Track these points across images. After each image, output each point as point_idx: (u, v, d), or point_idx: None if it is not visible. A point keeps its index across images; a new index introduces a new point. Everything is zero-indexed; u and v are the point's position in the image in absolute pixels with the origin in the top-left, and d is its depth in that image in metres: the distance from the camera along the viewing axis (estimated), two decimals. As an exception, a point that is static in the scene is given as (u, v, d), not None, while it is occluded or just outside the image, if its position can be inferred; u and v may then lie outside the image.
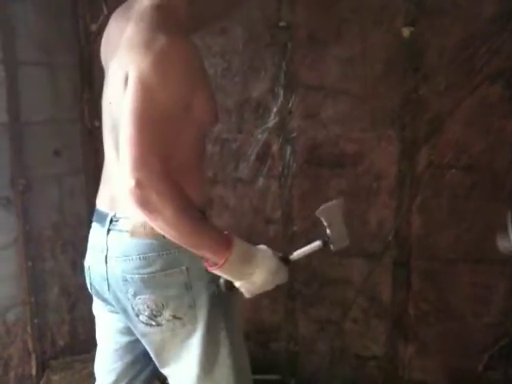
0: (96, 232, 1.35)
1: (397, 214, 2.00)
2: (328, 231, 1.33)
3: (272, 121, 2.07)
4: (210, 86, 1.32)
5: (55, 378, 2.11)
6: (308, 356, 2.19)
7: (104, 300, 1.37)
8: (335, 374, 2.17)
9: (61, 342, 2.21)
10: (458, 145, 1.91)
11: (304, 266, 2.10)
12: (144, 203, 1.11)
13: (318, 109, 2.02)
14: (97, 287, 1.36)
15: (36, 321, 2.10)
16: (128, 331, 1.37)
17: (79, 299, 2.24)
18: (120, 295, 1.30)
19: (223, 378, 1.31)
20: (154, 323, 1.28)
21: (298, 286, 2.14)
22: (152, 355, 1.33)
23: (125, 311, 1.31)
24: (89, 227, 2.16)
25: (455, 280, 2.00)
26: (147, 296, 1.27)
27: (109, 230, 1.29)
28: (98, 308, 1.45)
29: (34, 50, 2.05)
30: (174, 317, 1.28)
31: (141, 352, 1.39)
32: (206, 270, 1.23)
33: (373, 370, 2.14)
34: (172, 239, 1.16)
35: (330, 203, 1.35)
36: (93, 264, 1.35)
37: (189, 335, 1.29)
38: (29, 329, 2.09)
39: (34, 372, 2.13)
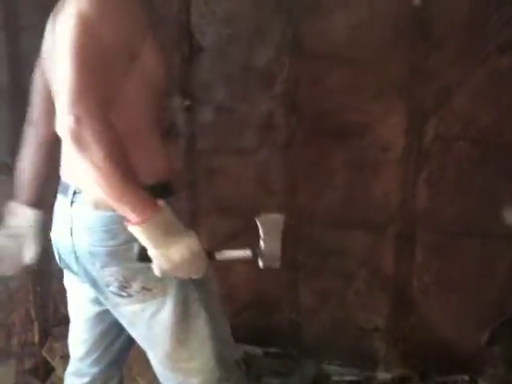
0: (60, 204, 1.33)
1: (403, 187, 1.98)
2: (261, 243, 1.21)
3: (277, 89, 2.02)
4: (155, 42, 1.26)
5: (57, 345, 2.12)
6: (310, 327, 2.19)
7: (73, 272, 1.35)
8: (337, 345, 2.18)
9: (63, 310, 2.21)
10: (466, 117, 1.87)
11: (307, 237, 2.09)
12: (77, 139, 1.06)
13: (325, 77, 1.97)
14: (65, 259, 1.34)
15: (38, 288, 2.11)
16: (98, 301, 1.36)
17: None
18: (88, 267, 1.28)
19: (201, 347, 1.30)
20: (124, 294, 1.27)
21: (301, 257, 2.13)
22: (126, 328, 1.33)
23: (94, 283, 1.30)
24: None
25: (460, 254, 1.98)
26: (114, 268, 1.25)
27: (72, 202, 1.27)
28: (68, 280, 1.45)
29: (35, 14, 2.00)
30: (144, 288, 1.27)
31: (112, 321, 1.38)
32: None
33: (375, 341, 2.14)
34: (96, 187, 1.11)
35: (272, 215, 1.24)
36: (59, 236, 1.33)
37: (160, 307, 1.28)
38: (31, 296, 2.10)
39: (36, 339, 2.14)
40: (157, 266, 1.16)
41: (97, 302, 1.38)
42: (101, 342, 1.44)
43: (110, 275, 1.26)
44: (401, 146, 1.95)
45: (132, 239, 1.17)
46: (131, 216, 1.12)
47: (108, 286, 1.27)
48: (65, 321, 2.19)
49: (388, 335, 2.13)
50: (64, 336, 2.13)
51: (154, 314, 1.28)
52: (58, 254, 1.37)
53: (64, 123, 1.07)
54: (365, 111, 1.96)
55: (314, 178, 2.05)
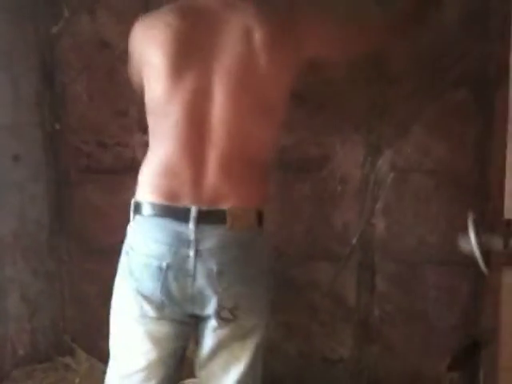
0: (172, 227, 1.33)
1: (361, 217, 2.02)
2: None
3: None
4: None
5: (15, 388, 2.06)
6: (276, 360, 2.18)
7: (173, 302, 1.36)
8: (303, 377, 2.17)
9: (21, 352, 2.16)
10: (421, 149, 1.93)
11: (270, 271, 2.09)
12: None
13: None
14: (172, 287, 1.34)
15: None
16: (176, 336, 1.41)
17: (39, 307, 2.19)
18: (206, 291, 1.32)
19: (258, 375, 1.45)
20: (231, 317, 1.34)
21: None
22: (207, 351, 1.41)
23: (203, 308, 1.35)
24: (50, 234, 2.13)
25: (419, 282, 2.02)
26: (238, 288, 1.33)
27: (197, 224, 1.30)
28: (148, 314, 1.40)
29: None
30: (251, 310, 1.36)
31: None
32: None
33: (340, 372, 2.14)
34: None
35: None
36: (173, 261, 1.33)
37: (253, 331, 1.40)
38: (-13, 339, 2.04)
39: (-7, 383, 2.08)
40: None
41: (175, 338, 1.42)
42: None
43: (230, 296, 1.33)
44: (358, 178, 1.99)
45: (260, 257, 1.39)
46: None
47: (220, 310, 1.34)
48: (22, 362, 2.14)
49: (353, 365, 2.13)
50: (22, 379, 2.09)
51: (244, 336, 1.39)
52: (162, 282, 1.35)
53: None
54: (323, 145, 2.00)
55: (276, 211, 2.06)
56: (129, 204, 2.09)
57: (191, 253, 1.32)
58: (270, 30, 1.35)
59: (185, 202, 1.34)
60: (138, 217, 1.41)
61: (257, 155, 1.39)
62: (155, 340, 1.40)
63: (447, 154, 1.92)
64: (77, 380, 2.14)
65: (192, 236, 1.31)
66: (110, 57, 2.07)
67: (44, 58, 2.19)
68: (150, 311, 1.39)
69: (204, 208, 1.32)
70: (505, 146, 1.41)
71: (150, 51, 1.40)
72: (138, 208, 1.41)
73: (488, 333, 1.78)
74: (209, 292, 1.33)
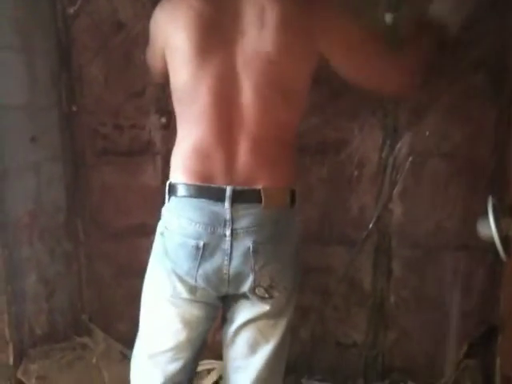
0: (208, 207, 1.35)
1: (378, 202, 2.00)
2: None
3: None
4: None
5: (33, 366, 2.08)
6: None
7: (208, 283, 1.37)
8: (316, 361, 2.17)
9: (38, 331, 2.18)
10: (439, 133, 1.91)
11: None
12: None
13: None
14: (208, 268, 1.36)
15: (13, 309, 2.07)
16: (205, 319, 1.44)
17: (57, 287, 2.21)
18: (242, 269, 1.34)
19: (284, 356, 1.49)
20: (267, 296, 1.37)
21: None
22: (236, 327, 1.44)
23: (239, 286, 1.37)
24: (67, 215, 2.13)
25: (436, 267, 2.01)
26: (273, 265, 1.35)
27: (234, 203, 1.32)
28: (181, 295, 1.42)
29: (9, 33, 1.99)
30: (285, 288, 1.39)
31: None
32: None
33: (353, 357, 2.15)
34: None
35: None
36: (210, 241, 1.34)
37: (284, 311, 1.43)
38: (6, 317, 2.05)
39: (11, 361, 2.08)
40: None
41: (205, 319, 1.45)
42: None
43: (266, 274, 1.35)
44: (376, 162, 1.98)
45: (294, 234, 1.43)
46: None
47: (255, 288, 1.36)
48: (40, 342, 2.17)
49: (367, 351, 2.13)
50: (40, 357, 2.11)
51: (277, 317, 1.43)
52: (199, 263, 1.37)
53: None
54: (341, 129, 1.98)
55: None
56: (145, 186, 2.10)
57: (227, 232, 1.33)
58: (286, 14, 1.34)
59: (219, 182, 1.36)
60: (173, 198, 1.42)
61: (284, 136, 1.40)
62: (186, 321, 1.43)
63: (465, 139, 1.90)
64: (94, 359, 2.16)
65: (228, 215, 1.33)
66: (127, 38, 2.06)
67: (60, 38, 2.18)
68: (184, 293, 1.41)
69: (238, 188, 1.34)
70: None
71: (174, 35, 1.39)
72: (172, 190, 1.42)
73: (505, 319, 1.77)
74: (245, 270, 1.35)
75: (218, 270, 1.36)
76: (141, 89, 2.09)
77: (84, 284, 2.30)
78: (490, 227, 1.51)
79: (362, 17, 1.86)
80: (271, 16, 1.32)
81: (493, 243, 1.50)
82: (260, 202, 1.33)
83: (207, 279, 1.38)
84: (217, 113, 1.36)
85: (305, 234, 2.04)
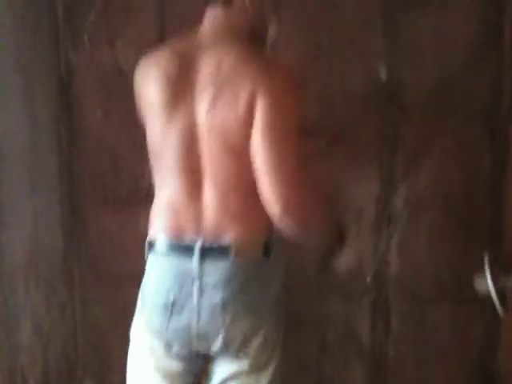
0: (177, 264, 1.35)
1: (375, 254, 1.98)
2: None
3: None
4: None
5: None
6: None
7: (180, 340, 1.36)
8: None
9: (32, 382, 2.15)
10: (434, 184, 1.91)
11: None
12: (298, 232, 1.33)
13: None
14: (177, 326, 1.35)
15: (7, 360, 2.04)
16: (187, 373, 1.40)
17: (52, 337, 2.18)
18: (211, 328, 1.31)
19: None
20: (241, 354, 1.33)
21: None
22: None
23: (209, 346, 1.33)
24: (64, 262, 2.12)
25: (435, 321, 1.97)
26: (246, 321, 1.31)
27: (202, 258, 1.31)
28: (158, 351, 1.41)
29: (11, 74, 2.02)
30: (263, 343, 1.34)
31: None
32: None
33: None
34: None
35: None
36: (178, 298, 1.34)
37: (266, 365, 1.37)
38: (-3, 371, 2.03)
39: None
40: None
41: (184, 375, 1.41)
42: None
43: (236, 331, 1.32)
44: (373, 214, 1.97)
45: (267, 287, 1.34)
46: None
47: (228, 346, 1.32)
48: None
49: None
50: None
51: (258, 373, 1.37)
52: (169, 321, 1.36)
53: (284, 225, 1.29)
54: (337, 180, 1.98)
55: (289, 245, 2.04)
56: (142, 233, 2.10)
57: (195, 289, 1.32)
58: (238, 73, 1.33)
59: (189, 238, 1.35)
60: (149, 255, 1.44)
61: (251, 191, 1.35)
62: (165, 374, 1.41)
63: (462, 189, 1.90)
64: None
65: (195, 272, 1.32)
66: (127, 85, 2.09)
67: (63, 83, 2.22)
68: (160, 348, 1.40)
69: (207, 243, 1.33)
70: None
71: (146, 92, 1.44)
72: (149, 246, 1.44)
73: (504, 374, 1.73)
74: (214, 328, 1.32)
75: (187, 329, 1.34)
76: (141, 136, 2.12)
77: (79, 332, 2.27)
78: (486, 283, 1.50)
79: (357, 69, 1.91)
80: (224, 75, 1.33)
81: (490, 297, 1.49)
82: (229, 256, 1.31)
83: (178, 337, 1.36)
84: (185, 167, 1.37)
85: (302, 286, 2.05)
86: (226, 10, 1.41)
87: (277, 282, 1.42)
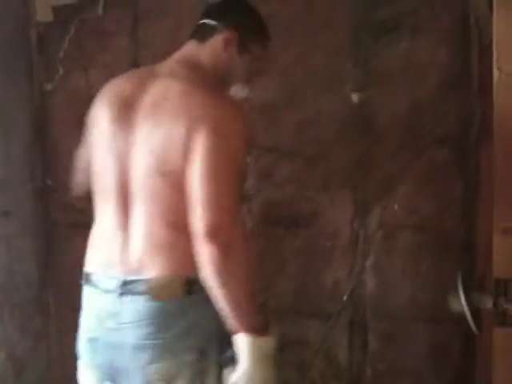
0: (100, 299, 1.32)
1: (351, 274, 2.01)
2: None
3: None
4: None
5: None
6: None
7: (106, 373, 1.32)
8: None
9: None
10: (408, 206, 1.95)
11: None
12: (220, 272, 1.18)
13: (273, 170, 2.04)
14: (102, 359, 1.31)
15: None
16: None
17: (26, 365, 2.14)
18: (130, 365, 1.26)
19: None
20: None
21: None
22: None
23: (134, 380, 1.27)
24: (38, 290, 2.10)
25: (411, 340, 2.00)
26: (161, 364, 1.24)
27: (121, 295, 1.27)
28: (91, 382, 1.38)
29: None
30: None
31: None
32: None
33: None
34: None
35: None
36: (101, 334, 1.30)
37: None
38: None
39: None
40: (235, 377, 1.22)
41: None
42: None
43: (155, 372, 1.24)
44: (348, 235, 2.00)
45: (185, 331, 1.23)
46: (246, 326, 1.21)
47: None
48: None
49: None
50: None
51: None
52: (94, 353, 1.33)
53: (205, 250, 1.17)
54: (313, 201, 2.02)
55: (265, 268, 2.06)
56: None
57: (114, 325, 1.27)
58: (178, 103, 1.29)
59: (113, 272, 1.31)
60: (84, 286, 1.42)
61: (179, 221, 1.26)
62: None
63: (434, 211, 1.94)
64: None
65: (115, 308, 1.27)
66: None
67: (36, 113, 2.21)
68: (96, 380, 1.37)
69: (129, 278, 1.27)
70: (491, 203, 1.43)
71: (96, 117, 1.43)
72: (84, 277, 1.42)
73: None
74: (133, 367, 1.27)
75: (111, 364, 1.30)
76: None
77: (54, 361, 2.24)
78: (460, 302, 1.52)
79: (330, 95, 1.95)
80: (166, 105, 1.30)
81: (465, 317, 1.51)
82: (148, 294, 1.24)
83: (104, 373, 1.33)
84: (118, 196, 1.32)
85: (279, 307, 2.06)
86: (198, 46, 1.41)
87: (206, 322, 1.29)
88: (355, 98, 1.93)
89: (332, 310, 2.04)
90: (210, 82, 1.36)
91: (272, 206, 2.05)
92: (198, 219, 1.20)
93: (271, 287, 2.07)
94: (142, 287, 1.25)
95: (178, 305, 1.25)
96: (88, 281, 1.37)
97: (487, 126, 1.45)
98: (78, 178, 1.55)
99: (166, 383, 1.25)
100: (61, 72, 2.21)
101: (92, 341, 1.33)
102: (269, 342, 1.25)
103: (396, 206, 1.95)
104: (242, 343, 1.22)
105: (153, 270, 1.26)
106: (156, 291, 1.24)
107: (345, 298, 2.02)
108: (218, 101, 1.30)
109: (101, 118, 1.40)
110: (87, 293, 1.38)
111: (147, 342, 1.24)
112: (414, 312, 1.98)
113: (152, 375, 1.24)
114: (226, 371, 1.28)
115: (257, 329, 1.23)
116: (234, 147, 1.24)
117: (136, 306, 1.25)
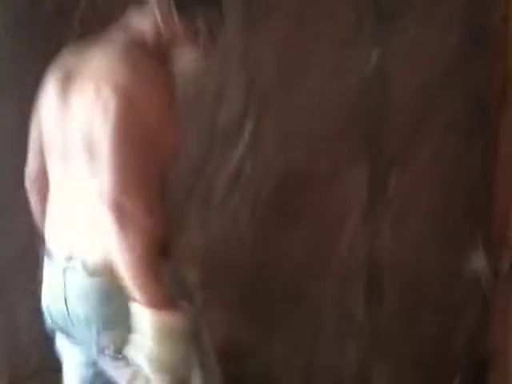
0: (51, 271, 1.35)
1: (368, 237, 2.02)
2: None
3: (241, 150, 2.03)
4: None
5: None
6: (283, 378, 2.18)
7: (68, 334, 1.36)
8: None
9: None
10: (425, 170, 1.95)
11: (276, 289, 2.11)
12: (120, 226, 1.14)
13: (289, 138, 2.01)
14: (60, 323, 1.35)
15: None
16: (92, 363, 1.37)
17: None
18: (84, 332, 1.29)
19: None
20: (120, 356, 1.27)
21: (271, 309, 2.13)
22: None
23: (90, 347, 1.30)
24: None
25: (426, 302, 2.03)
26: (110, 332, 1.27)
27: (65, 270, 1.29)
28: (61, 343, 1.44)
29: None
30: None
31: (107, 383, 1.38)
32: None
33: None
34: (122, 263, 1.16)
35: None
36: (52, 303, 1.34)
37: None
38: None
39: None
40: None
41: (91, 364, 1.38)
42: None
43: (106, 340, 1.27)
44: (365, 198, 1.99)
45: (127, 303, 1.20)
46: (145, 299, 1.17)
47: (104, 350, 1.28)
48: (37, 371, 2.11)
49: (361, 382, 2.13)
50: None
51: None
52: (51, 319, 1.37)
53: (107, 213, 1.14)
54: (329, 166, 2.00)
55: (281, 230, 2.08)
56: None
57: (63, 300, 1.30)
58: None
59: (60, 249, 1.33)
60: None
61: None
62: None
63: (452, 175, 1.94)
64: None
65: (61, 284, 1.30)
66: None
67: None
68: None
69: (71, 254, 1.29)
70: (510, 166, 1.43)
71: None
72: None
73: (496, 352, 1.78)
74: (86, 337, 1.30)
75: (67, 334, 1.37)
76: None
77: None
78: (478, 262, 1.54)
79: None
80: (90, 71, 1.27)
81: (482, 278, 1.52)
82: (87, 271, 1.25)
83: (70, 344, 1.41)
84: (61, 172, 1.34)
85: (294, 269, 2.08)
86: (136, 15, 1.36)
87: None
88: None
89: (348, 272, 2.05)
90: (144, 49, 1.31)
91: (288, 167, 2.04)
92: (103, 182, 1.17)
93: (287, 249, 2.08)
94: (82, 264, 1.26)
95: (117, 281, 1.22)
96: (43, 255, 1.40)
97: (507, 89, 1.43)
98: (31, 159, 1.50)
99: (119, 346, 1.26)
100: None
101: (47, 310, 1.38)
102: (174, 317, 1.19)
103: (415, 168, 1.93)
104: (142, 315, 1.19)
105: (92, 247, 1.26)
106: (94, 268, 1.25)
107: (361, 260, 2.03)
108: (139, 65, 1.25)
109: (46, 94, 1.38)
110: (44, 266, 1.41)
111: (91, 316, 1.26)
112: (430, 274, 2.00)
113: (104, 344, 1.27)
114: None
115: (159, 303, 1.18)
116: (146, 114, 1.20)
117: (78, 283, 1.27)
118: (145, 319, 1.18)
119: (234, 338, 2.17)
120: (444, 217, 1.96)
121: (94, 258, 1.25)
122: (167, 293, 1.19)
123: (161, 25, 1.32)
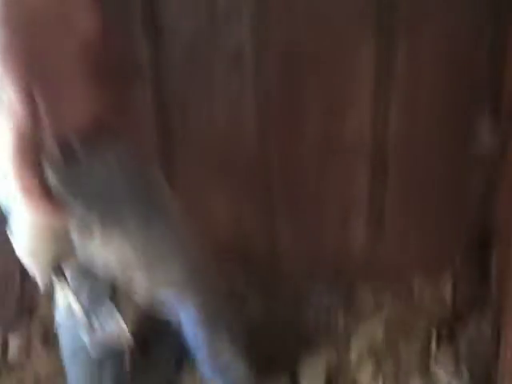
0: None
1: (375, 114, 1.97)
2: None
3: (245, 21, 1.93)
4: None
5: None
6: (290, 255, 2.23)
7: None
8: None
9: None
10: (435, 43, 1.85)
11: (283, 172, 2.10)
12: None
13: (296, 11, 1.91)
14: None
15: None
16: None
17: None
18: None
19: None
20: None
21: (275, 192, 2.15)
22: None
23: None
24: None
25: (432, 175, 2.02)
26: None
27: None
28: None
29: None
30: None
31: None
32: None
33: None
34: None
35: None
36: None
37: None
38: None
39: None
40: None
41: None
42: None
43: None
44: (372, 75, 1.92)
45: None
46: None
47: None
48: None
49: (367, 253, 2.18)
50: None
51: None
52: None
53: None
54: (336, 41, 1.91)
55: (287, 110, 2.03)
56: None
57: None
58: None
59: None
60: None
61: None
62: None
63: (462, 49, 1.85)
64: None
65: None
66: None
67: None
68: None
69: None
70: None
71: None
72: None
73: (501, 224, 1.80)
74: None
75: None
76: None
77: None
78: (486, 131, 1.50)
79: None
80: None
81: (491, 151, 1.50)
82: None
83: None
84: None
85: (301, 148, 2.06)
86: None
87: None
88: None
89: (354, 147, 2.03)
90: None
91: (294, 47, 1.95)
92: None
93: (296, 129, 2.04)
94: None
95: None
96: None
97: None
98: None
99: None
100: None
101: None
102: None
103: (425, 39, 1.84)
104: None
105: None
106: None
107: (368, 137, 2.00)
108: None
109: None
110: None
111: None
112: (437, 145, 1.98)
113: None
114: None
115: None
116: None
117: None
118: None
119: (239, 218, 2.21)
120: (452, 93, 1.90)
121: None
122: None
123: None
